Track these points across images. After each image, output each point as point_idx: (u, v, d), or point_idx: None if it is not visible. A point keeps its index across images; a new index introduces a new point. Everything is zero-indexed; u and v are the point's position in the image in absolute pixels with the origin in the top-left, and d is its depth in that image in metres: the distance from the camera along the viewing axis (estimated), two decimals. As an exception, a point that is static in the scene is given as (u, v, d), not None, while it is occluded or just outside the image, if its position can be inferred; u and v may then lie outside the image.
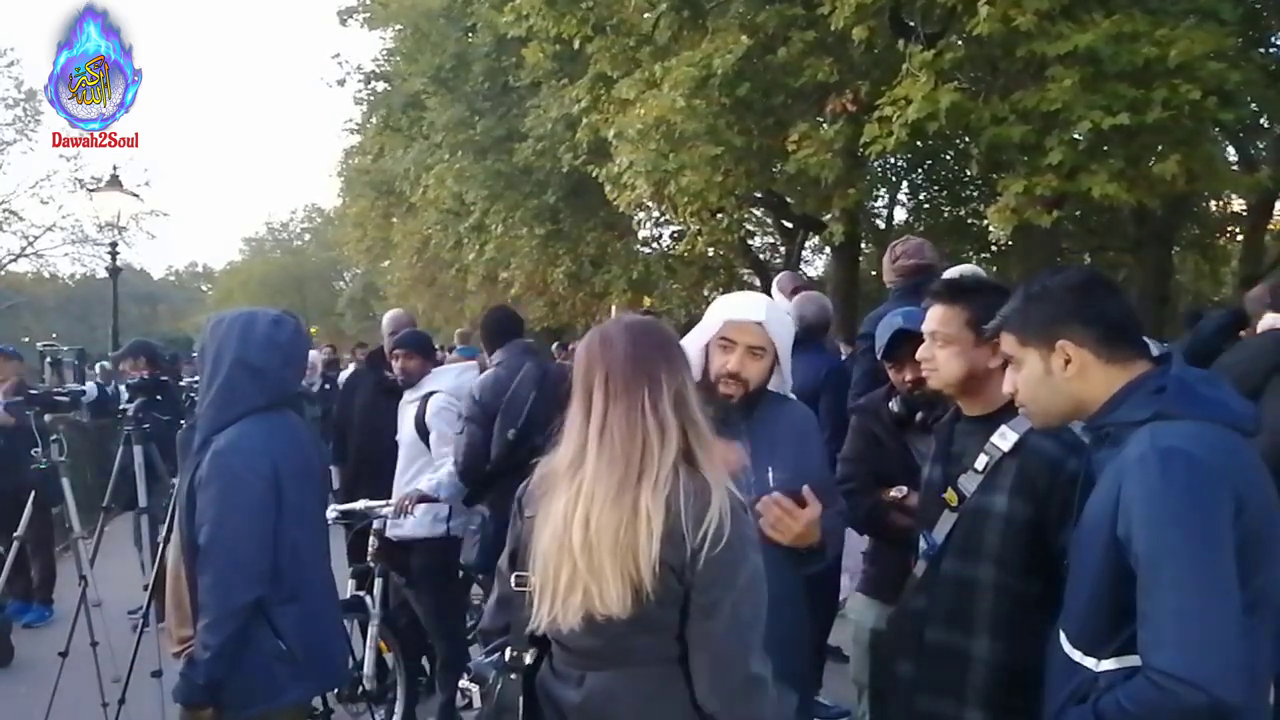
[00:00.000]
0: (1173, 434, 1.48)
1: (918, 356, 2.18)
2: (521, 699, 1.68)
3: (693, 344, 2.27)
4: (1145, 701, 1.42)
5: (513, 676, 1.69)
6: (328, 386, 9.64)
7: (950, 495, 2.03)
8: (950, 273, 3.35)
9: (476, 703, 1.72)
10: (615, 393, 1.59)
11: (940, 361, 2.09)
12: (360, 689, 3.65)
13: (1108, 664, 1.52)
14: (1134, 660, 1.47)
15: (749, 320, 2.24)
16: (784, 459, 2.22)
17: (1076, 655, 1.58)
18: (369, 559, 3.90)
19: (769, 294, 4.98)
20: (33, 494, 4.92)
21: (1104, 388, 1.61)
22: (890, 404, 2.71)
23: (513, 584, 1.71)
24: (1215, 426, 1.50)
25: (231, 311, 2.58)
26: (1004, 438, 1.98)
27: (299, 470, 2.44)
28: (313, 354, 10.38)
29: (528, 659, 1.70)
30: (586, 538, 1.53)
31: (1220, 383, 1.60)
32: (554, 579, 1.56)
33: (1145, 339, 1.71)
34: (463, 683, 1.76)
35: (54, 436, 4.59)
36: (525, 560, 1.67)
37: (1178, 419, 1.51)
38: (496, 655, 1.75)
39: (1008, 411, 2.02)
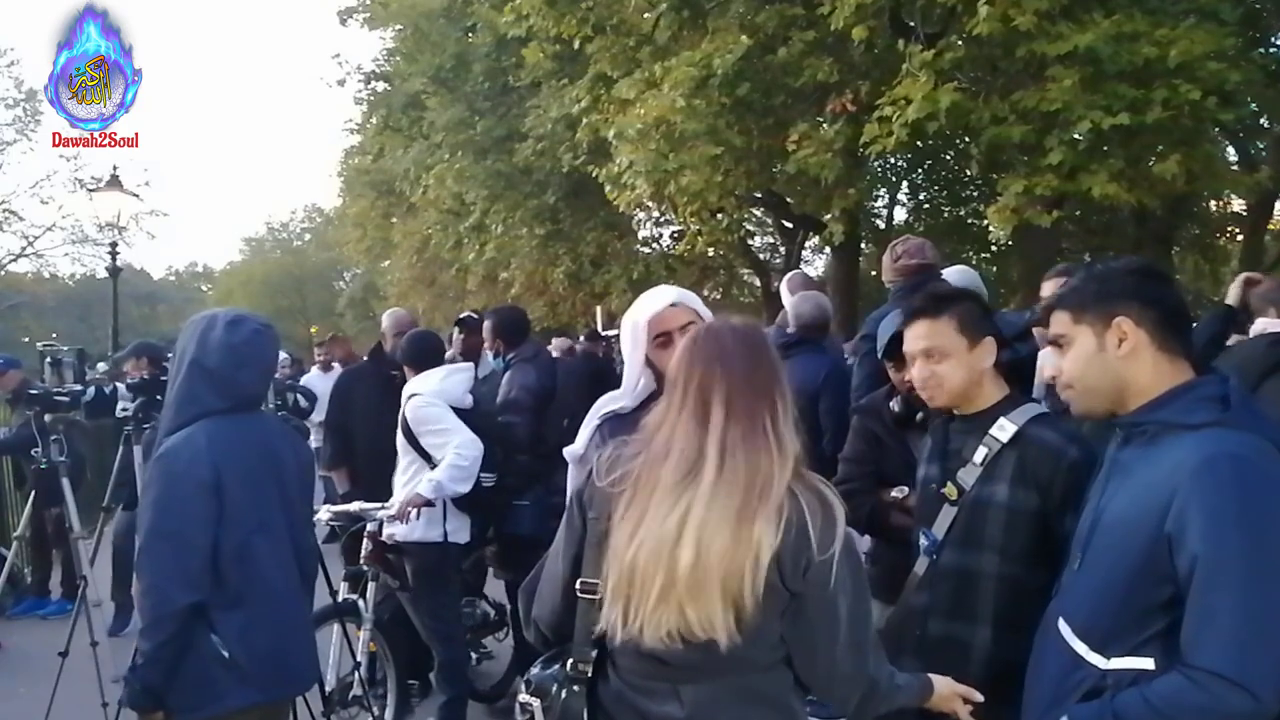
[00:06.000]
0: (1241, 442, 1.47)
1: (914, 380, 2.15)
2: (585, 712, 1.62)
3: (633, 367, 2.22)
4: (1181, 701, 1.40)
5: (576, 689, 1.63)
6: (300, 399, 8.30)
7: (950, 489, 2.03)
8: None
9: (539, 717, 1.66)
10: (737, 410, 1.52)
11: (943, 375, 2.07)
12: (351, 694, 3.64)
13: (1117, 663, 1.51)
14: (1145, 663, 1.47)
15: (663, 305, 2.18)
16: None
17: (1081, 649, 1.56)
18: (362, 562, 3.88)
19: (772, 294, 4.97)
20: (32, 494, 4.93)
21: (1151, 376, 1.59)
22: (891, 404, 2.71)
23: (578, 590, 1.63)
24: (1267, 443, 1.49)
25: (203, 312, 2.57)
26: (1003, 429, 1.99)
27: (251, 474, 2.39)
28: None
29: (589, 670, 1.64)
30: (697, 560, 1.46)
31: (1254, 401, 1.62)
32: (641, 592, 1.50)
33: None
34: (523, 697, 1.70)
35: (54, 436, 4.59)
36: (594, 565, 1.60)
37: (1238, 429, 1.49)
38: (556, 667, 1.69)
39: (1000, 408, 2.05)
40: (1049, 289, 3.27)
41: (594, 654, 1.64)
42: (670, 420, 1.57)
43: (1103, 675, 1.52)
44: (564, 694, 1.64)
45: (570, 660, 1.66)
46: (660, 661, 1.56)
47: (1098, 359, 1.63)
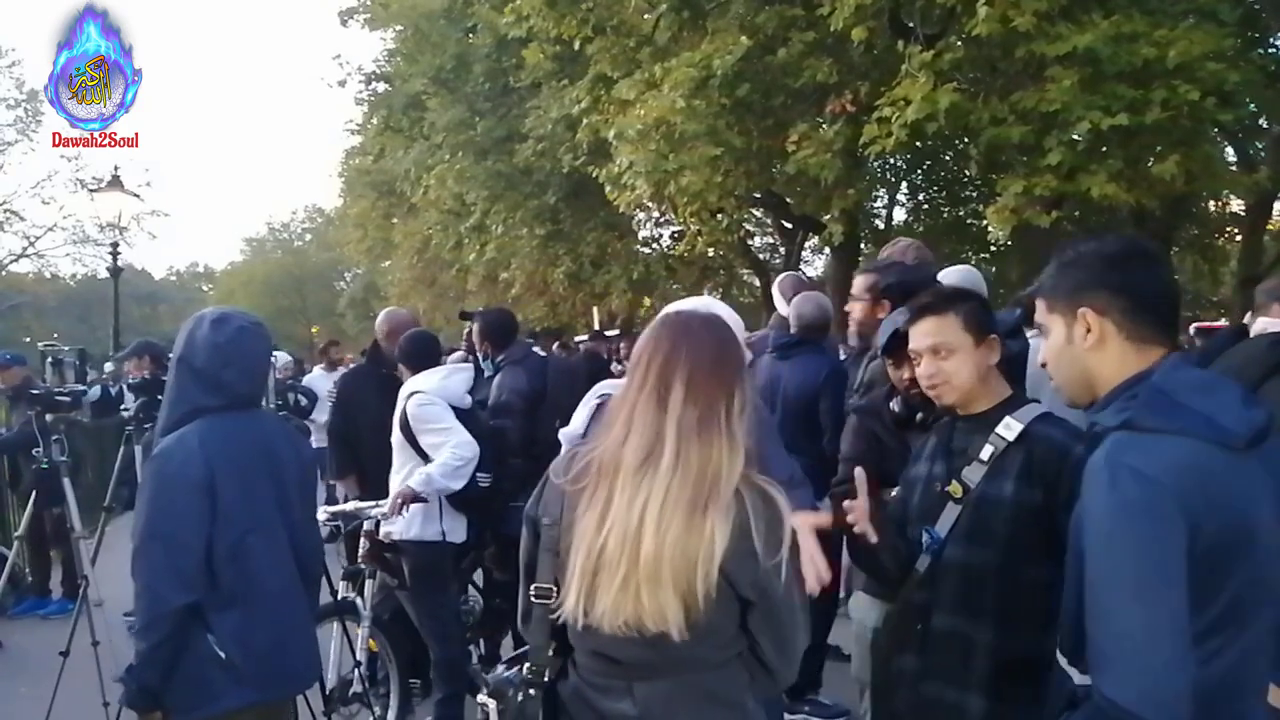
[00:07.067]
0: (1130, 448, 1.40)
1: (920, 378, 2.16)
2: (541, 714, 1.63)
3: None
4: None
5: (532, 692, 1.64)
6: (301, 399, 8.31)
7: (955, 487, 2.04)
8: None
9: (494, 719, 1.67)
10: (696, 395, 1.52)
11: (950, 372, 2.08)
12: (351, 691, 3.65)
13: (1087, 678, 1.47)
14: None
15: None
16: None
17: (1062, 661, 1.55)
18: (359, 560, 3.89)
19: (769, 296, 4.98)
20: (33, 494, 4.95)
21: (1117, 367, 1.52)
22: (891, 404, 2.72)
23: (532, 595, 1.64)
24: (1187, 440, 1.39)
25: (199, 311, 2.58)
26: (1009, 428, 2.00)
27: (246, 473, 2.39)
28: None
29: (548, 673, 1.65)
30: (658, 546, 1.47)
31: (1216, 390, 1.47)
32: (607, 578, 1.50)
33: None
34: (480, 697, 1.71)
35: (55, 436, 4.61)
36: (547, 570, 1.62)
37: (1144, 431, 1.41)
38: (515, 670, 1.70)
39: (1004, 407, 2.06)
40: (858, 285, 3.35)
41: (552, 655, 1.65)
42: (630, 399, 1.57)
43: (1075, 689, 1.49)
44: (520, 697, 1.65)
45: (527, 663, 1.67)
46: (613, 660, 1.57)
47: (1067, 351, 1.58)
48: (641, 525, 1.49)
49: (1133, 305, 1.52)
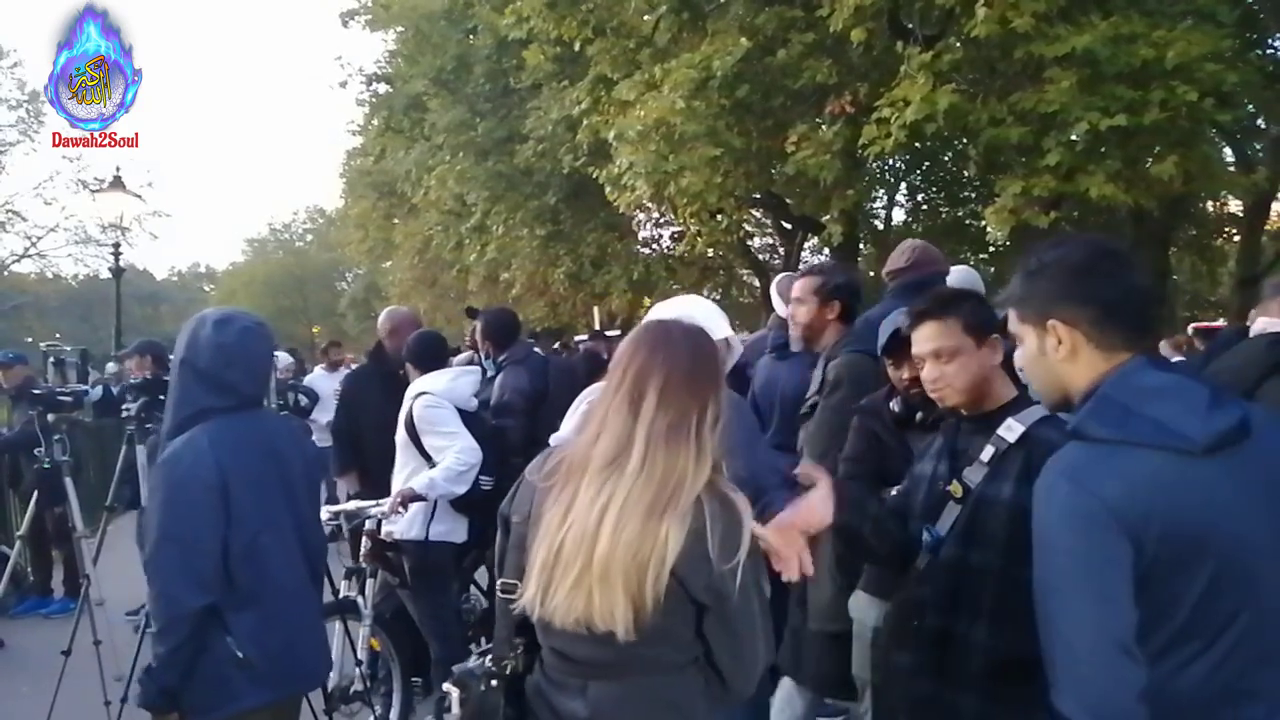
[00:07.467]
0: (1071, 461, 1.42)
1: (924, 382, 2.17)
2: (502, 707, 1.66)
3: None
4: None
5: (493, 684, 1.67)
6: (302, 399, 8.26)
7: (955, 487, 2.04)
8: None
9: (455, 708, 1.70)
10: (668, 403, 1.55)
11: (951, 375, 2.08)
12: (352, 689, 3.66)
13: None
14: None
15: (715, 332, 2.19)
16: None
17: None
18: (360, 559, 3.90)
19: (768, 296, 4.97)
20: (35, 493, 4.97)
21: (1089, 375, 1.51)
22: (891, 404, 2.74)
23: (498, 590, 1.69)
24: (1134, 450, 1.38)
25: (201, 312, 2.59)
26: (1010, 430, 2.00)
27: (255, 473, 2.40)
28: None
29: (513, 666, 1.68)
30: (613, 546, 1.50)
31: (1177, 394, 1.44)
32: (563, 573, 1.53)
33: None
34: (445, 685, 1.74)
35: (57, 436, 4.62)
36: (514, 567, 1.65)
37: (1092, 441, 1.42)
38: (479, 661, 1.74)
39: (1008, 409, 2.06)
40: (803, 288, 3.31)
41: (520, 650, 1.68)
42: (606, 402, 1.61)
43: None
44: (483, 688, 1.68)
45: (491, 656, 1.71)
46: (569, 658, 1.60)
47: (1041, 361, 1.58)
48: (600, 525, 1.52)
49: (1101, 314, 1.51)
